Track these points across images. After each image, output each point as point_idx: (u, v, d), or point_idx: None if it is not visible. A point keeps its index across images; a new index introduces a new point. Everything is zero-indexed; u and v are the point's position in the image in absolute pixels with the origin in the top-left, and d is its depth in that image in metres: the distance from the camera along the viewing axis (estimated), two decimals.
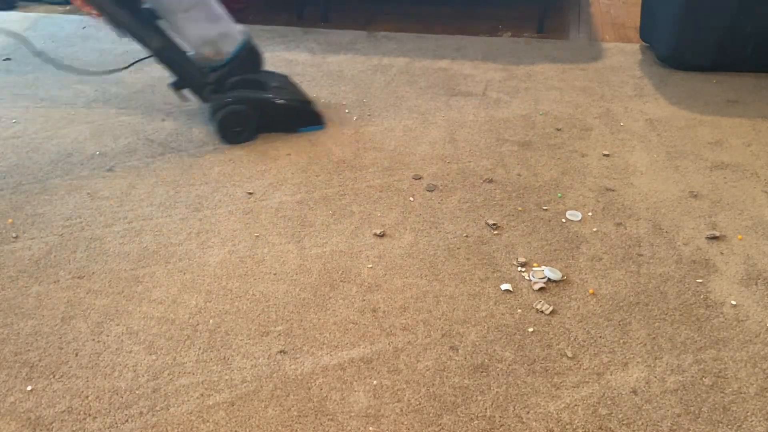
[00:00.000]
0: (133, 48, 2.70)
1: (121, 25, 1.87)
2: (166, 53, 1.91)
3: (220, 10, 1.97)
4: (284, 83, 2.13)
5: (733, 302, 1.33)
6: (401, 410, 1.10)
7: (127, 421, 1.07)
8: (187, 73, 1.95)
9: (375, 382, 1.15)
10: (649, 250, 1.48)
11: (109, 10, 1.85)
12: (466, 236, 1.53)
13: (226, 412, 1.09)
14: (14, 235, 1.53)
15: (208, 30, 1.93)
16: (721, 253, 1.47)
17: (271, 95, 2.00)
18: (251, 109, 1.94)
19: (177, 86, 1.98)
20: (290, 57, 2.63)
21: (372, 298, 1.34)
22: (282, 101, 2.00)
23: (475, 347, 1.22)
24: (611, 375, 1.16)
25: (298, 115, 2.02)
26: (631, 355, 1.20)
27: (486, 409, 1.10)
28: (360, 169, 1.81)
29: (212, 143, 1.95)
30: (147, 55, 1.94)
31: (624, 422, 1.08)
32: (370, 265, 1.44)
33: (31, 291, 1.36)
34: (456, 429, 1.07)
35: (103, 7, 1.86)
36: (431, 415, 1.09)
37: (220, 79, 1.95)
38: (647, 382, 1.15)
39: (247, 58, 2.01)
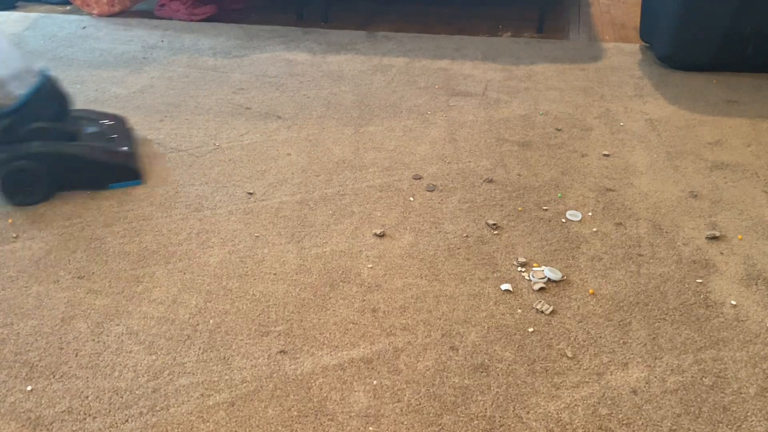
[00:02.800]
0: (132, 48, 2.70)
1: None
2: None
3: (8, 47, 1.69)
4: (109, 129, 1.83)
5: (733, 302, 1.33)
6: (401, 410, 1.10)
7: (127, 421, 1.07)
8: None
9: (375, 382, 1.15)
10: (649, 250, 1.48)
11: None
12: (466, 236, 1.53)
13: (226, 412, 1.09)
14: (14, 235, 1.53)
15: None
16: (721, 253, 1.47)
17: (70, 146, 1.67)
18: (43, 164, 1.61)
19: None
20: (290, 57, 2.63)
21: (372, 298, 1.34)
22: (84, 154, 1.68)
23: (475, 347, 1.22)
24: (611, 375, 1.16)
25: (107, 170, 1.70)
26: (631, 355, 1.20)
27: (486, 409, 1.10)
28: (360, 169, 1.81)
29: (212, 143, 1.95)
30: None
31: (624, 422, 1.08)
32: (370, 265, 1.44)
33: (31, 291, 1.36)
34: (456, 429, 1.07)
35: None
36: (431, 415, 1.09)
37: (10, 127, 1.62)
38: (647, 382, 1.15)
39: (46, 101, 1.68)
